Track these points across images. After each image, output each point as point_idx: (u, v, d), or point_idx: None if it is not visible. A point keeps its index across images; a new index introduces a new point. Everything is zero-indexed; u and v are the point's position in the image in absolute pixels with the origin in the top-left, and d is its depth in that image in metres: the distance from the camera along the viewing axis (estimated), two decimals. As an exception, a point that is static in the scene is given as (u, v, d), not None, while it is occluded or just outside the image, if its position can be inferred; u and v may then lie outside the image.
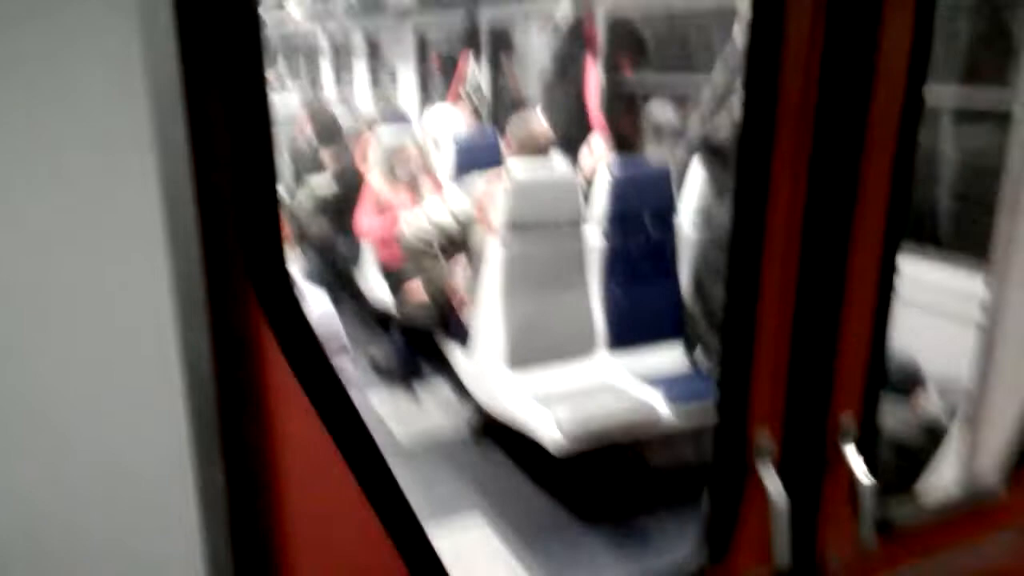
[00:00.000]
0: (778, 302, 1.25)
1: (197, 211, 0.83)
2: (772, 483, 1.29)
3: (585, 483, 3.67)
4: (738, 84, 3.37)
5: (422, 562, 1.10)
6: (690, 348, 3.72)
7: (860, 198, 1.25)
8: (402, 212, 4.62)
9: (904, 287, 1.36)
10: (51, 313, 0.82)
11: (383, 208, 5.01)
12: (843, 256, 1.27)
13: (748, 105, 1.20)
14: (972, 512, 1.58)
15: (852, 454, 1.35)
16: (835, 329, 1.30)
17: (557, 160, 3.89)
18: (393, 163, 5.09)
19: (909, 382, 2.80)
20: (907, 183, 1.27)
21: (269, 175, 0.89)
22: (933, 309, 3.03)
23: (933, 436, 2.46)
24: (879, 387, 1.38)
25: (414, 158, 5.08)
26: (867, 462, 1.35)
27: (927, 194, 3.54)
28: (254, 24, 0.85)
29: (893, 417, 2.62)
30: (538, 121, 4.06)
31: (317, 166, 6.39)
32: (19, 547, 0.86)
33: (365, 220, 5.10)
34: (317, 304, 2.45)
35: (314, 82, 11.84)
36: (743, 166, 1.22)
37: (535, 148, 3.82)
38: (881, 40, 1.18)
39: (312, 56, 12.20)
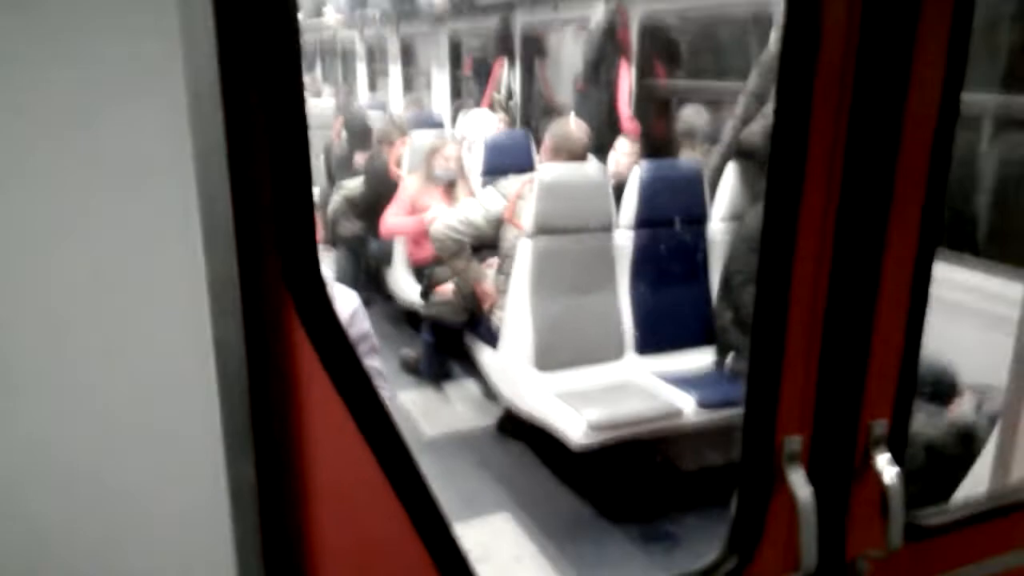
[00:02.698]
0: (810, 307, 1.25)
1: (233, 212, 0.85)
2: (800, 486, 1.28)
3: (613, 483, 3.66)
4: (773, 89, 3.35)
5: (448, 557, 1.11)
6: (721, 352, 3.69)
7: (894, 203, 1.23)
8: (436, 212, 4.66)
9: (940, 292, 1.34)
10: (89, 313, 0.84)
11: (415, 209, 5.05)
12: (876, 261, 1.25)
13: (782, 110, 1.20)
14: (1005, 519, 1.55)
15: (882, 460, 1.33)
16: (867, 335, 1.29)
17: (591, 163, 3.90)
18: (432, 163, 5.13)
19: (944, 388, 2.75)
20: (942, 188, 1.26)
21: (305, 179, 0.91)
22: (969, 314, 2.97)
23: (968, 443, 2.41)
24: (911, 394, 1.37)
25: (453, 158, 5.12)
26: (898, 467, 1.33)
27: (964, 200, 3.48)
28: (292, 30, 0.87)
29: (928, 424, 2.57)
30: (577, 126, 4.07)
31: (351, 169, 6.48)
32: (53, 538, 0.88)
33: (391, 219, 5.15)
34: (347, 304, 2.48)
35: (350, 87, 11.99)
36: (776, 170, 1.21)
37: (572, 153, 3.83)
38: (917, 45, 1.17)
39: (348, 61, 12.35)
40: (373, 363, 2.47)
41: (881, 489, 1.32)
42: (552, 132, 3.94)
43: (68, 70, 0.78)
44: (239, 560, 0.95)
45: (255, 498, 0.94)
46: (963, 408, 2.65)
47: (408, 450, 1.05)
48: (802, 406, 1.29)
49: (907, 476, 1.33)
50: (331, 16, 11.77)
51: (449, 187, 5.11)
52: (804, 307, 1.24)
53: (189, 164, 0.83)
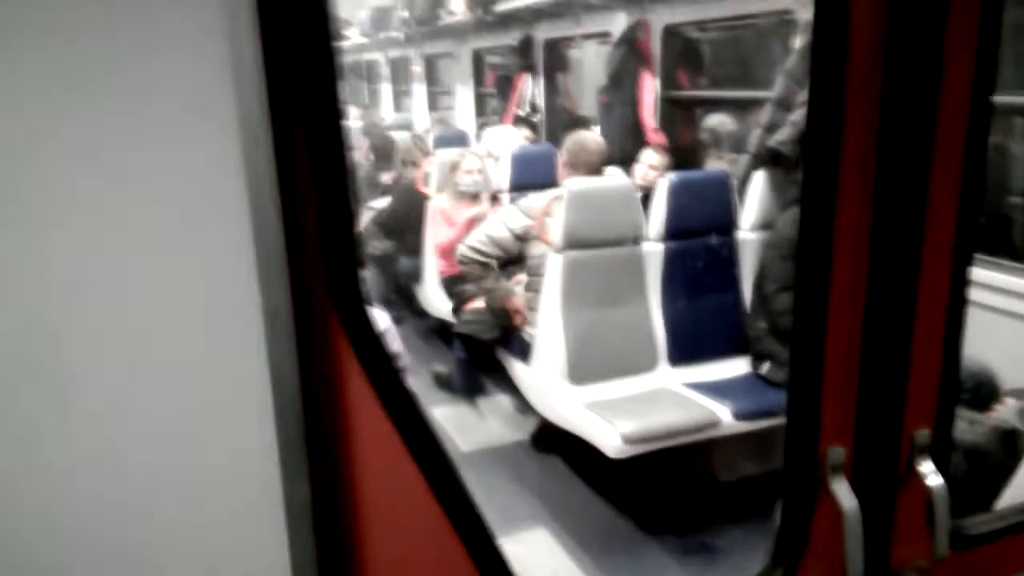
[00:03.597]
0: (848, 316, 1.24)
1: (285, 240, 0.88)
2: (845, 496, 1.27)
3: (648, 494, 3.64)
4: (802, 95, 3.34)
5: (494, 570, 1.13)
6: (756, 361, 3.66)
7: (930, 208, 1.23)
8: (462, 225, 4.69)
9: (979, 295, 1.33)
10: (149, 340, 0.87)
11: (451, 224, 5.10)
12: (914, 267, 1.25)
13: (814, 116, 1.20)
14: None
15: (927, 469, 1.32)
16: (907, 342, 1.28)
17: (614, 173, 3.90)
18: (454, 177, 5.18)
19: (985, 392, 2.71)
20: (977, 191, 1.25)
21: (346, 203, 0.94)
22: (1008, 318, 2.92)
23: (1012, 447, 2.37)
24: (953, 400, 1.35)
25: (476, 169, 5.16)
26: (942, 476, 1.32)
27: (999, 202, 3.43)
28: (331, 58, 0.91)
29: (969, 429, 2.53)
30: (593, 139, 4.08)
31: (377, 186, 6.56)
32: (105, 555, 0.90)
33: (438, 233, 5.18)
34: (379, 323, 2.52)
35: (375, 106, 12.14)
36: (809, 177, 1.22)
37: (589, 165, 3.85)
38: (947, 46, 1.17)
39: (373, 81, 12.50)
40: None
41: (926, 498, 1.31)
42: (567, 146, 3.96)
43: (123, 105, 0.81)
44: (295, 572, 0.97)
45: (310, 516, 0.96)
46: (1004, 412, 2.60)
47: (452, 465, 1.07)
48: (844, 416, 1.29)
49: (951, 483, 1.32)
50: (355, 37, 11.95)
51: (474, 199, 5.16)
52: (843, 316, 1.24)
53: (242, 194, 0.86)
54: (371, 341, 0.98)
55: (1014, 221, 3.43)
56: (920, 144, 1.20)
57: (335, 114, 0.92)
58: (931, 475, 1.31)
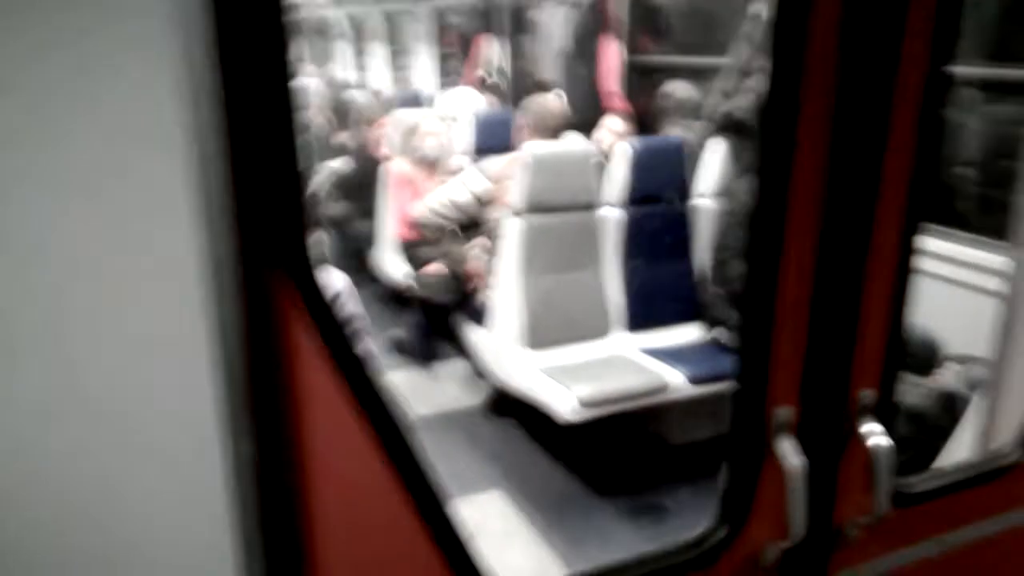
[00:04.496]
0: (798, 279, 1.26)
1: (233, 192, 0.85)
2: (789, 455, 1.30)
3: (601, 458, 3.70)
4: (759, 61, 3.34)
5: (445, 532, 1.13)
6: (709, 326, 3.72)
7: (883, 175, 1.24)
8: (423, 190, 4.63)
9: (926, 264, 1.36)
10: (85, 291, 0.83)
11: (415, 189, 5.00)
12: (864, 234, 1.27)
13: (772, 83, 1.20)
14: (990, 483, 1.58)
15: (871, 429, 1.35)
16: (855, 307, 1.30)
17: (575, 138, 3.88)
18: (417, 139, 5.08)
19: (928, 357, 2.79)
20: (931, 159, 1.27)
21: (295, 156, 0.91)
22: (953, 284, 3.01)
23: (952, 410, 2.45)
24: (899, 363, 1.39)
25: (436, 138, 5.08)
26: (885, 432, 1.35)
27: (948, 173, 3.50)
28: (283, 9, 0.87)
29: (913, 392, 2.61)
30: (555, 101, 4.05)
31: (335, 149, 6.42)
32: (47, 522, 0.88)
33: (402, 199, 5.06)
34: (335, 285, 2.47)
35: (332, 65, 11.85)
36: (765, 144, 1.22)
37: (552, 128, 3.82)
38: (908, 15, 1.17)
39: (331, 39, 12.20)
40: (365, 346, 2.47)
41: (870, 457, 1.35)
42: (530, 109, 3.92)
43: (61, 50, 0.76)
44: (240, 536, 0.96)
45: (255, 475, 0.95)
46: (946, 377, 2.69)
47: (403, 426, 1.06)
48: (792, 378, 1.31)
49: (893, 443, 1.36)
50: (314, -8, 11.60)
51: (436, 163, 5.08)
52: (793, 280, 1.25)
53: (186, 146, 0.82)
54: (322, 301, 0.96)
55: (960, 192, 3.51)
56: (875, 113, 1.21)
57: (284, 67, 0.88)
58: (875, 435, 1.35)
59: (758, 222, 1.24)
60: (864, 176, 1.23)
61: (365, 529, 1.08)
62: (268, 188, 0.89)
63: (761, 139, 1.22)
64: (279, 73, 0.88)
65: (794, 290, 1.26)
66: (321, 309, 0.96)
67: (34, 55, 0.76)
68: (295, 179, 0.91)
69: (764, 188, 1.23)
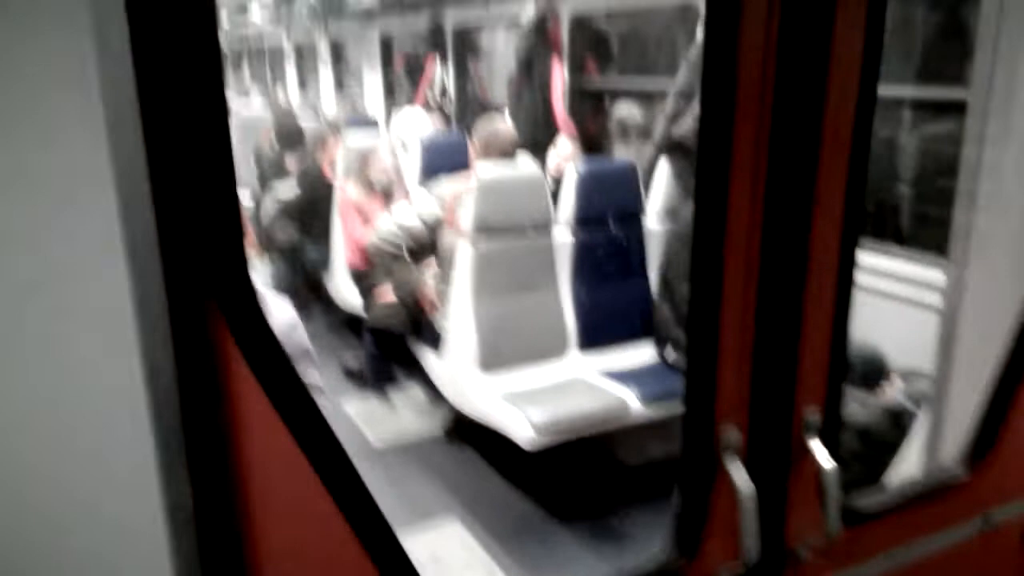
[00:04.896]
0: (741, 298, 1.27)
1: (155, 221, 0.82)
2: (739, 477, 1.30)
3: (559, 482, 3.67)
4: (699, 81, 3.41)
5: (392, 564, 1.10)
6: (660, 345, 3.74)
7: (818, 194, 1.27)
8: (372, 215, 4.58)
9: (867, 280, 1.38)
10: (11, 333, 0.79)
11: (365, 219, 4.94)
12: (803, 252, 1.29)
13: (706, 108, 1.22)
14: (937, 499, 1.61)
15: (817, 446, 1.37)
16: (797, 324, 1.32)
17: (524, 161, 3.90)
18: (367, 171, 5.04)
19: (874, 373, 2.85)
20: (863, 178, 1.30)
21: (229, 183, 0.88)
22: (896, 300, 3.08)
23: (899, 425, 2.50)
24: (842, 380, 1.40)
25: (387, 166, 5.05)
26: (832, 454, 1.36)
27: (889, 190, 3.61)
28: (212, 29, 0.84)
29: (859, 408, 2.66)
30: (504, 123, 4.06)
31: (282, 171, 6.33)
32: None
33: (352, 227, 5.03)
34: (281, 313, 2.41)
35: (279, 87, 11.72)
36: (703, 165, 1.23)
37: (501, 150, 3.82)
38: (834, 39, 1.20)
39: (277, 60, 12.08)
40: (312, 379, 2.41)
41: (818, 476, 1.35)
42: (480, 131, 3.92)
43: None
44: None
45: (191, 519, 0.91)
46: (891, 391, 2.74)
47: (347, 460, 1.04)
48: (738, 397, 1.31)
49: (841, 460, 1.37)
50: (256, 14, 11.47)
51: (387, 191, 5.04)
52: (736, 300, 1.26)
53: (109, 182, 0.79)
54: (257, 332, 0.93)
55: (900, 209, 3.62)
56: (808, 136, 1.23)
57: (216, 88, 0.85)
58: (821, 451, 1.36)
59: (699, 242, 1.26)
60: (800, 194, 1.26)
61: (310, 562, 1.05)
62: (198, 218, 0.86)
63: (699, 162, 1.24)
64: (208, 97, 0.85)
65: (737, 309, 1.27)
66: (258, 341, 0.93)
67: None
68: (229, 208, 0.88)
69: (703, 209, 1.25)
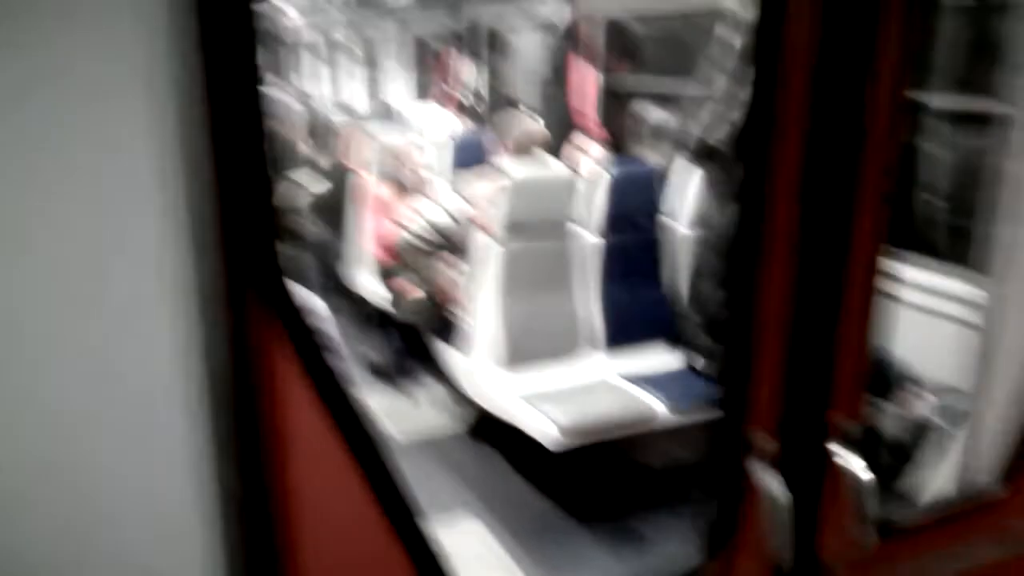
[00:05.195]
0: (777, 306, 1.27)
1: (218, 215, 0.85)
2: (773, 484, 1.30)
3: (581, 482, 3.67)
4: (732, 87, 3.38)
5: (425, 556, 1.12)
6: (688, 351, 3.73)
7: (857, 203, 1.27)
8: (400, 212, 4.60)
9: (903, 293, 1.38)
10: (73, 321, 0.82)
11: (387, 210, 4.98)
12: (841, 261, 1.29)
13: (750, 114, 1.22)
14: (970, 511, 1.60)
15: (850, 455, 1.36)
16: (832, 332, 1.32)
17: (555, 162, 3.91)
18: (393, 166, 5.07)
19: (902, 383, 2.82)
20: (904, 188, 1.29)
21: (266, 177, 0.91)
22: (926, 312, 3.05)
23: (925, 436, 2.47)
24: (876, 389, 1.40)
25: (413, 160, 5.07)
26: (865, 463, 1.36)
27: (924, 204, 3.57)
28: (251, 27, 0.86)
29: (887, 418, 2.63)
30: (532, 120, 4.07)
31: (309, 165, 6.38)
32: (34, 551, 0.86)
33: (378, 223, 5.06)
34: (315, 309, 2.44)
35: (306, 80, 11.81)
36: (745, 177, 1.24)
37: (529, 147, 3.83)
38: (877, 52, 1.20)
39: (304, 54, 12.18)
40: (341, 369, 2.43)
41: (850, 481, 1.35)
42: (512, 130, 3.93)
43: (48, 83, 0.76)
44: (225, 564, 0.94)
45: (238, 509, 0.94)
46: (921, 406, 2.71)
47: (383, 450, 1.07)
48: (772, 405, 1.32)
49: (873, 467, 1.36)
50: (286, 7, 11.58)
51: (412, 186, 5.07)
52: (773, 309, 1.27)
53: (177, 169, 0.82)
54: (301, 327, 0.96)
55: (936, 221, 3.57)
56: (849, 142, 1.23)
57: (254, 84, 0.88)
58: (854, 460, 1.35)
59: (737, 249, 1.26)
60: (839, 203, 1.26)
61: (344, 549, 1.08)
62: (245, 211, 0.89)
63: (739, 168, 1.25)
64: (253, 97, 0.88)
65: (772, 315, 1.28)
66: (302, 336, 0.96)
67: (16, 84, 0.74)
68: (268, 200, 0.92)
69: (743, 216, 1.25)
